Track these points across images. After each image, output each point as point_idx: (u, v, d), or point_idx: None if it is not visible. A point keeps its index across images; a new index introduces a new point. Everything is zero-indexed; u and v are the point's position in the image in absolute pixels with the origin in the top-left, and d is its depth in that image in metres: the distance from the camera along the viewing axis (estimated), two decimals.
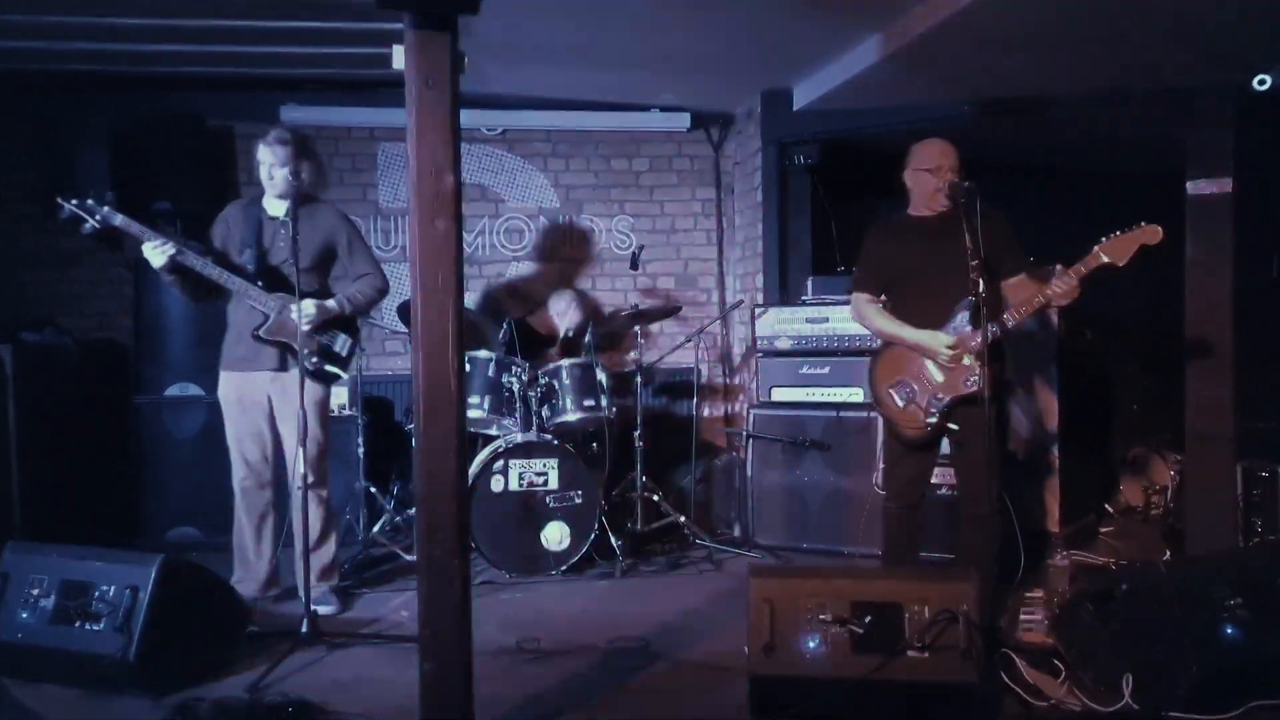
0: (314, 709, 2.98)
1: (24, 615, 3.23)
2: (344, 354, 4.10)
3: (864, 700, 2.83)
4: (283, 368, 3.97)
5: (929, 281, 3.64)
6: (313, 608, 3.66)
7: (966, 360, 3.53)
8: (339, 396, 5.18)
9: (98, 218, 3.68)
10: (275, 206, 4.01)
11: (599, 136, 6.13)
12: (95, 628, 3.14)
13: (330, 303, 4.01)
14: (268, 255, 3.99)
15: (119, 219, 3.70)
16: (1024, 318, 3.54)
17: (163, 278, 3.89)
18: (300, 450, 3.66)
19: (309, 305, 3.88)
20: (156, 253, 3.74)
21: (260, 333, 3.92)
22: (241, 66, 5.14)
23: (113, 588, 3.17)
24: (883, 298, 3.79)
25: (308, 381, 3.84)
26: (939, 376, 3.60)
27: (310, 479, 3.83)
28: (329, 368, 4.06)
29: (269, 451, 4.07)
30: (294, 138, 3.98)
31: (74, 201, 3.68)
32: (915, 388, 3.65)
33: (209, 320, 4.50)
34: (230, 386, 4.05)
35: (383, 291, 4.16)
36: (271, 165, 3.93)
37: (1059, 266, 3.57)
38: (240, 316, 4.01)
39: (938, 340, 3.55)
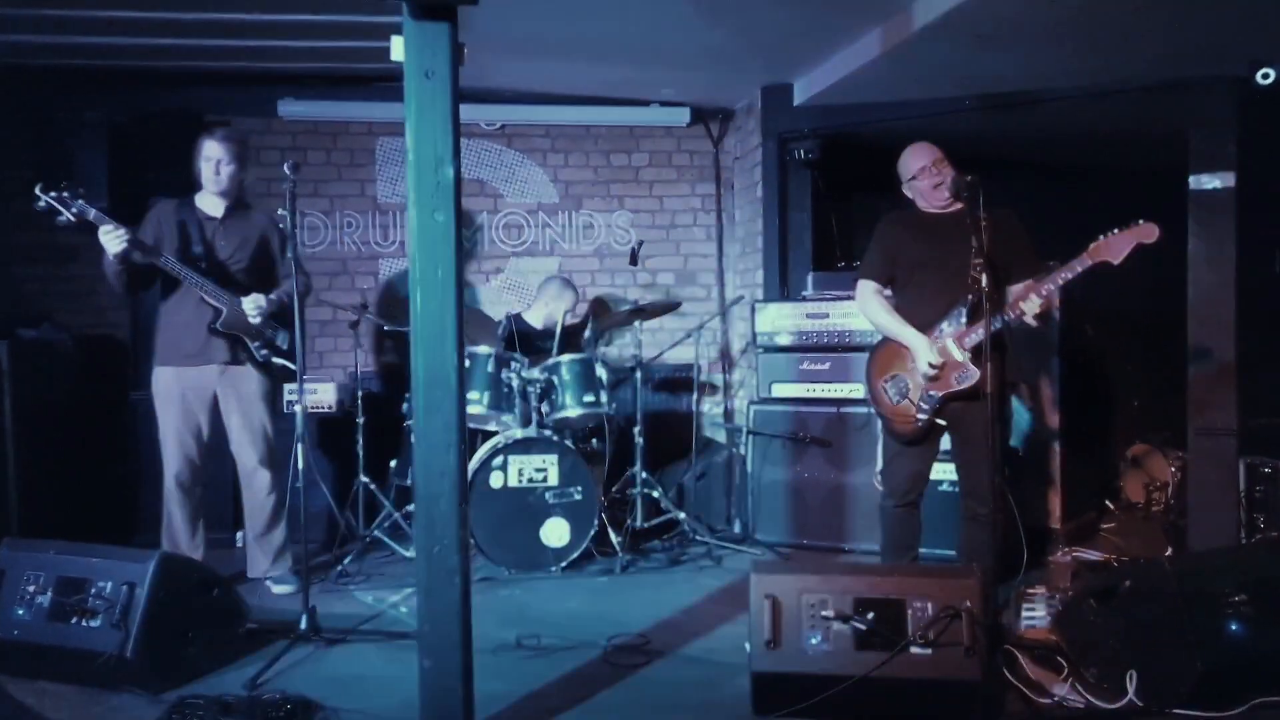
0: (312, 705, 2.97)
1: (21, 612, 3.22)
2: (284, 347, 4.21)
3: (866, 697, 2.82)
4: (233, 361, 4.08)
5: (934, 276, 3.64)
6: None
7: (960, 357, 3.52)
8: (332, 394, 5.19)
9: (73, 210, 3.69)
10: (213, 205, 4.11)
11: (598, 131, 6.11)
12: (92, 624, 3.13)
13: (272, 296, 4.13)
14: (212, 252, 4.06)
15: (92, 213, 3.73)
16: (1015, 319, 3.49)
17: (107, 266, 3.90)
18: (299, 446, 3.67)
19: (259, 298, 4.06)
20: (114, 240, 3.75)
21: (218, 325, 3.99)
22: (239, 60, 5.12)
23: (110, 584, 3.16)
24: (888, 291, 3.78)
25: (257, 373, 4.11)
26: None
27: (264, 464, 4.09)
28: (275, 360, 4.19)
29: (204, 448, 4.16)
30: (240, 138, 4.14)
31: (51, 194, 3.69)
32: (909, 383, 3.65)
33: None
34: (172, 381, 4.10)
35: (309, 288, 4.27)
36: (220, 161, 4.05)
37: (1054, 264, 3.53)
38: (186, 312, 4.06)
39: (925, 353, 3.56)
